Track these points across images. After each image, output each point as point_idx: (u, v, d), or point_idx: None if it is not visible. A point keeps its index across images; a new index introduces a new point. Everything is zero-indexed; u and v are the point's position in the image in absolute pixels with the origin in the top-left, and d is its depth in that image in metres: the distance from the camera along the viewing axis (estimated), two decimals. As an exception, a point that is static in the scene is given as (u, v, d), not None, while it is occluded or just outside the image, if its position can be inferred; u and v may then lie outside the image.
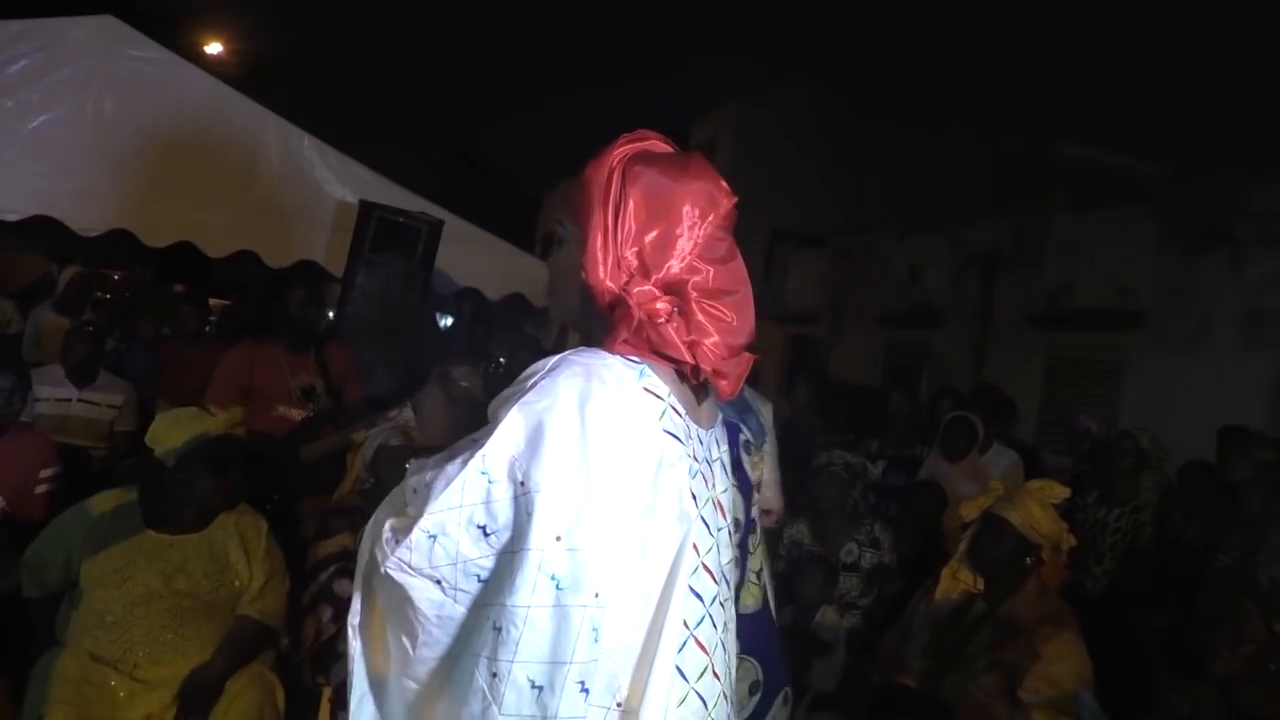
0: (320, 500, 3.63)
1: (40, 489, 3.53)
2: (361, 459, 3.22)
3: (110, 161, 5.08)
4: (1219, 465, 4.57)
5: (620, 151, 1.30)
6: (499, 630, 1.17)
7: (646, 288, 1.26)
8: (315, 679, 2.94)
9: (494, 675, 1.16)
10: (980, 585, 2.84)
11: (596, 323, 1.31)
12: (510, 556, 1.18)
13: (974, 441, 4.75)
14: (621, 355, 1.25)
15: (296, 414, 3.95)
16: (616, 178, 1.28)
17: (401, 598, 1.26)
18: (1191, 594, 3.35)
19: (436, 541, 1.21)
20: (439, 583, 1.23)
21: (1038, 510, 2.74)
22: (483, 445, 1.21)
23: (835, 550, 3.85)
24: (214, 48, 17.59)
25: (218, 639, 2.82)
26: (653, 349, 1.26)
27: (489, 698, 1.16)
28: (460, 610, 1.23)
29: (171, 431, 2.87)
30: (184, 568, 2.82)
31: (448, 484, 1.21)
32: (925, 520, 4.23)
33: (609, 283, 1.27)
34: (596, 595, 1.17)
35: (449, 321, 8.59)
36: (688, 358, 1.27)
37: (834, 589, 3.72)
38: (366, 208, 5.17)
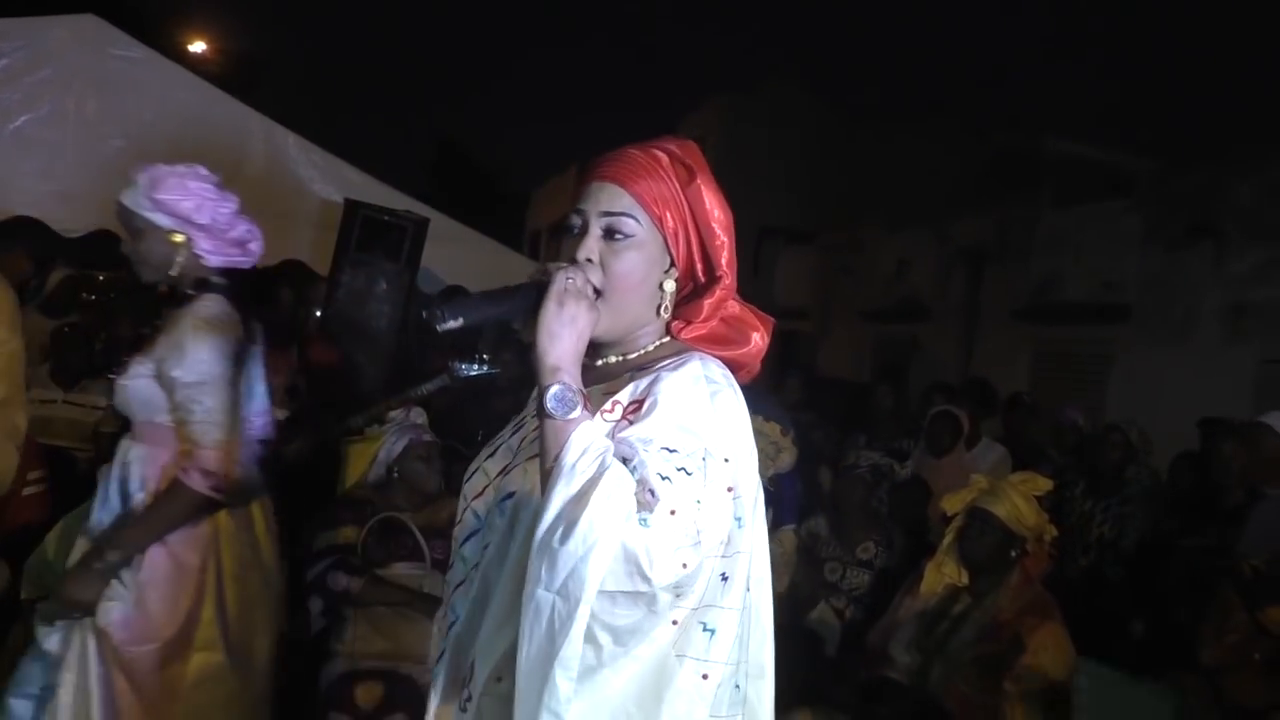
0: (303, 498, 3.62)
1: (27, 491, 3.52)
2: (383, 454, 3.22)
3: (93, 161, 5.04)
4: (1200, 457, 4.59)
5: (692, 147, 1.33)
6: (711, 632, 1.17)
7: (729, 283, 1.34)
8: (306, 678, 2.94)
9: (705, 677, 1.17)
10: (965, 579, 2.86)
11: (637, 326, 1.33)
12: (723, 560, 1.20)
13: (958, 436, 4.76)
14: (711, 357, 1.31)
15: (279, 412, 3.93)
16: (708, 176, 1.32)
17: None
18: (1175, 585, 3.37)
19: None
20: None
21: (1021, 503, 2.77)
22: (718, 457, 1.20)
23: (852, 547, 3.87)
24: (198, 46, 17.50)
25: None
26: (723, 346, 1.33)
27: (696, 699, 1.17)
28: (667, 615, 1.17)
29: None
30: None
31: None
32: (911, 514, 4.25)
33: (730, 278, 1.33)
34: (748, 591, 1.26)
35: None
36: (753, 359, 1.36)
37: (819, 582, 3.73)
38: (352, 206, 5.16)
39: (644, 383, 1.25)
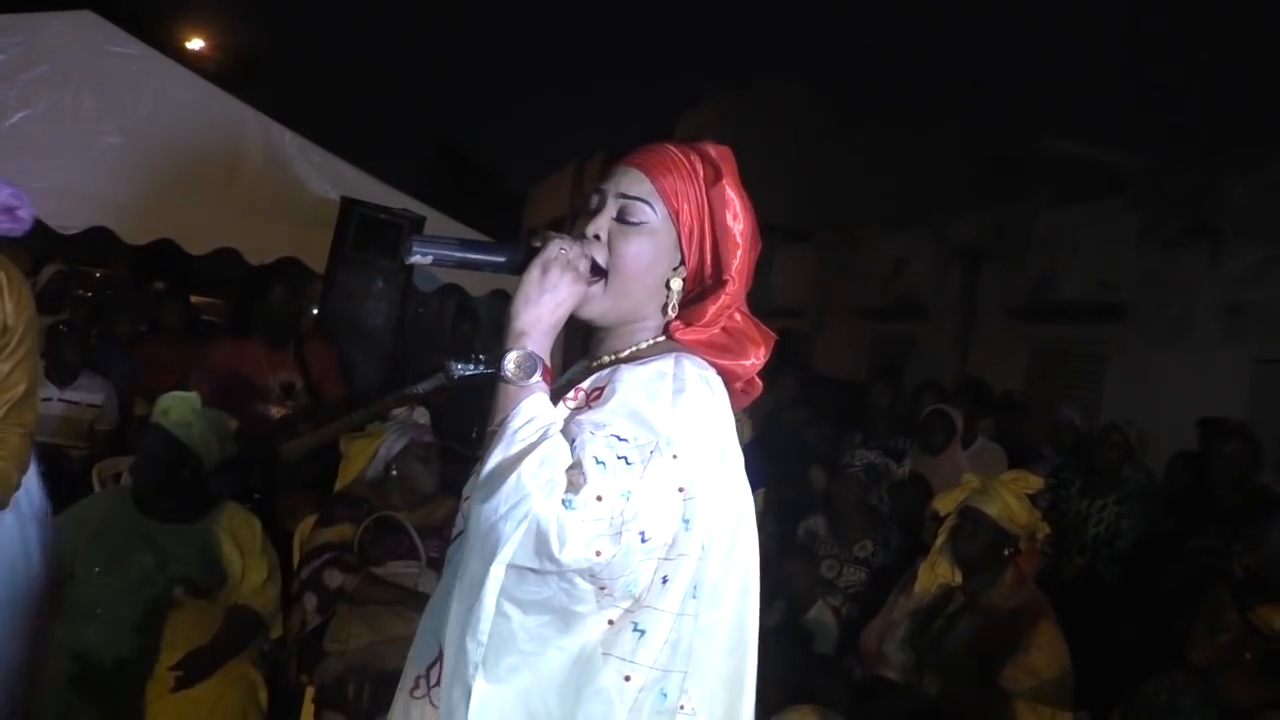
0: (299, 496, 3.63)
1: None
2: (383, 451, 3.22)
3: (89, 158, 5.05)
4: (1198, 457, 4.60)
5: (727, 152, 1.32)
6: (641, 633, 1.14)
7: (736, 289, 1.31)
8: (299, 677, 2.94)
9: (626, 678, 1.14)
10: (958, 578, 2.86)
11: (636, 318, 1.31)
12: (665, 562, 1.16)
13: (951, 435, 4.76)
14: (707, 362, 1.28)
15: (276, 411, 3.94)
16: (736, 181, 1.30)
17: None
18: (1168, 584, 3.38)
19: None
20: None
21: (1014, 501, 2.78)
22: (666, 454, 1.16)
23: (850, 545, 3.87)
24: (195, 43, 17.47)
25: (207, 630, 2.84)
26: (720, 353, 1.30)
27: (614, 700, 1.13)
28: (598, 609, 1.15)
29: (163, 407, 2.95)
30: (176, 555, 2.84)
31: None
32: (910, 511, 4.25)
33: (737, 285, 1.31)
34: (712, 607, 1.24)
35: (433, 318, 8.55)
36: (748, 373, 1.33)
37: (817, 578, 3.73)
38: (348, 204, 5.15)
39: (608, 373, 1.24)
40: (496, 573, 1.08)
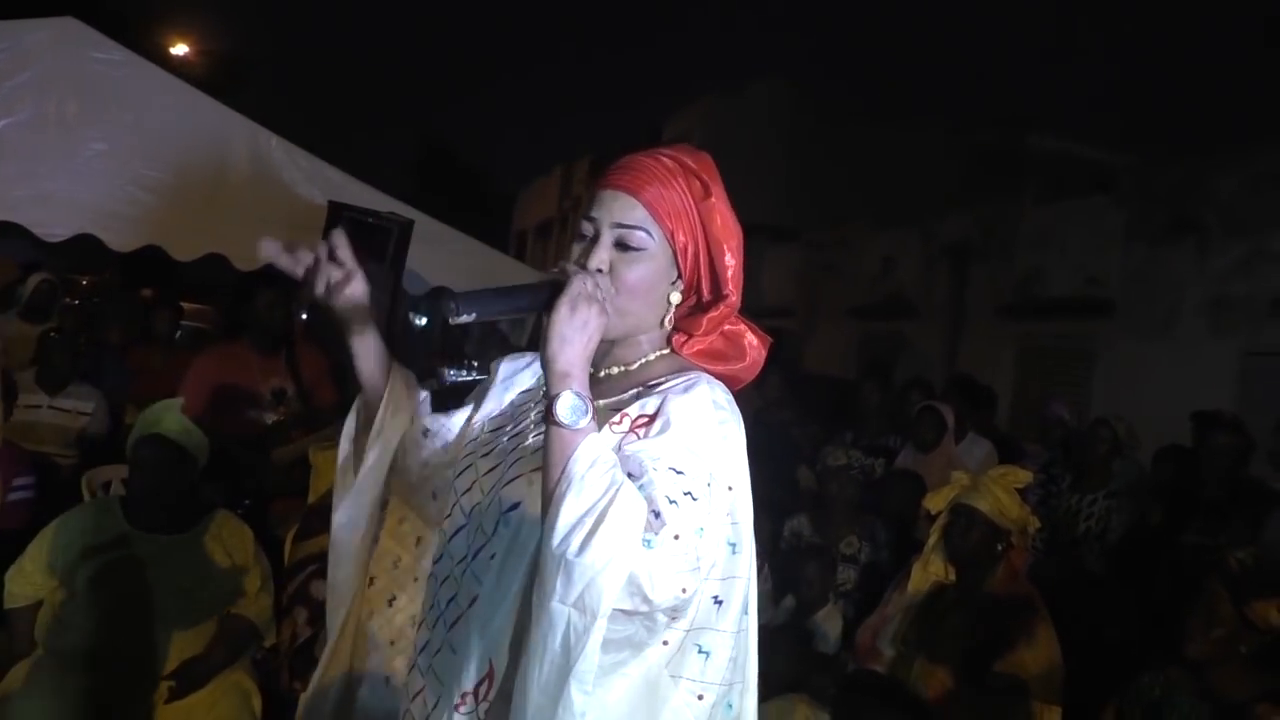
0: (290, 503, 3.61)
1: (12, 497, 3.53)
2: None
3: (74, 166, 5.01)
4: (1191, 450, 4.62)
5: (706, 160, 1.33)
6: (707, 654, 1.20)
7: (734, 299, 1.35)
8: (292, 684, 2.93)
9: (700, 697, 1.21)
10: (951, 575, 2.87)
11: (638, 331, 1.34)
12: (718, 583, 1.22)
13: (942, 432, 4.77)
14: (717, 381, 1.32)
15: (268, 417, 3.93)
16: (722, 192, 1.32)
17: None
18: (1162, 579, 3.39)
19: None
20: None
21: (1004, 496, 2.79)
22: (721, 484, 1.21)
23: (836, 543, 3.90)
24: (179, 49, 17.41)
25: (200, 640, 2.83)
26: (721, 361, 1.35)
27: (691, 718, 1.20)
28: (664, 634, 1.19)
29: (145, 425, 2.96)
30: (167, 566, 2.83)
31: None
32: (902, 509, 4.26)
33: (735, 296, 1.34)
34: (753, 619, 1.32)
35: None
36: (749, 375, 1.38)
37: (834, 581, 3.74)
38: (335, 209, 5.13)
39: (652, 400, 1.26)
40: (602, 625, 1.09)
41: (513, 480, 1.28)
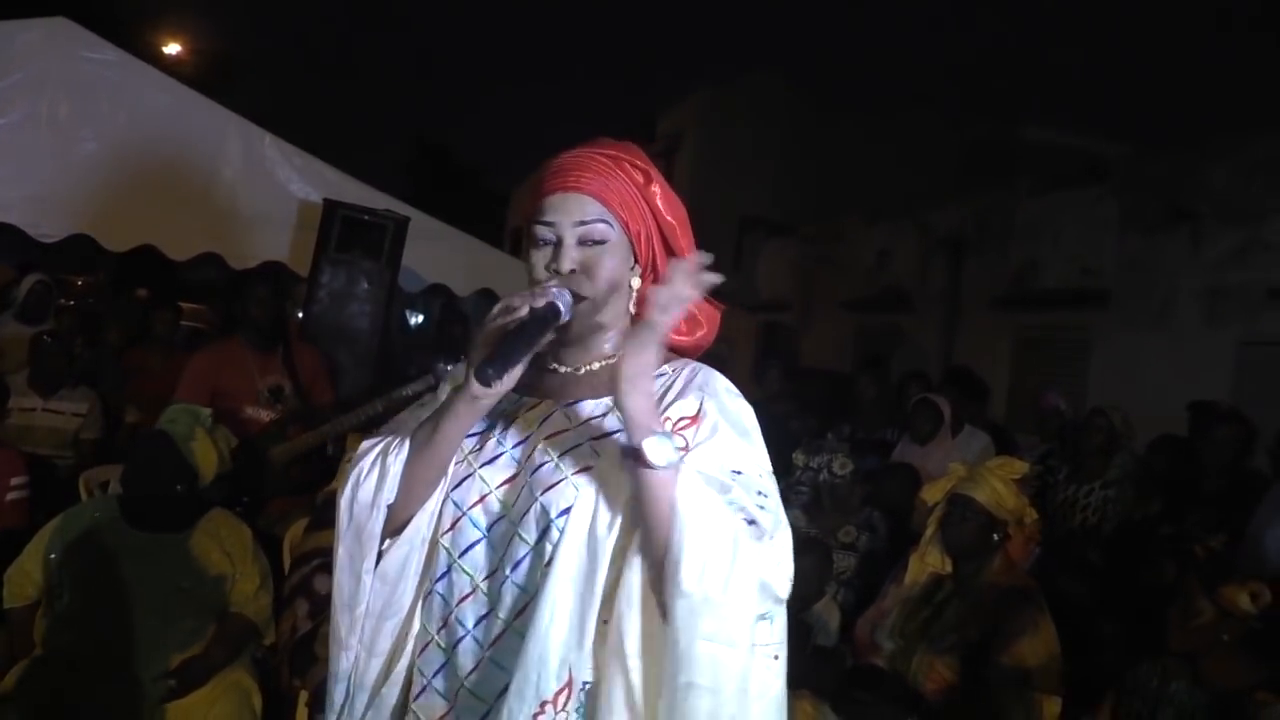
0: (289, 501, 3.61)
1: (9, 497, 3.53)
2: None
3: (67, 166, 5.00)
4: (1186, 440, 4.62)
5: (634, 149, 1.37)
6: (770, 620, 1.23)
7: None
8: (292, 681, 2.93)
9: (776, 657, 1.25)
10: (948, 566, 2.88)
11: (607, 319, 1.36)
12: None
13: (939, 424, 4.78)
14: (685, 348, 1.42)
15: (265, 415, 3.92)
16: (659, 176, 1.36)
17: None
18: (1143, 572, 3.40)
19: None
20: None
21: (1001, 487, 2.80)
22: (769, 470, 1.28)
23: (833, 532, 3.91)
24: (172, 48, 17.36)
25: (198, 638, 2.84)
26: (687, 334, 1.43)
27: (773, 676, 1.24)
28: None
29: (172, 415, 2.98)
30: (165, 565, 2.83)
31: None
32: (899, 501, 4.27)
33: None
34: None
35: (420, 319, 8.55)
36: (707, 344, 1.46)
37: (830, 573, 3.74)
38: (331, 206, 5.13)
39: (682, 399, 1.30)
40: (756, 651, 1.19)
41: (554, 485, 1.26)
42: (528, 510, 1.27)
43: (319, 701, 2.83)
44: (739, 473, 1.22)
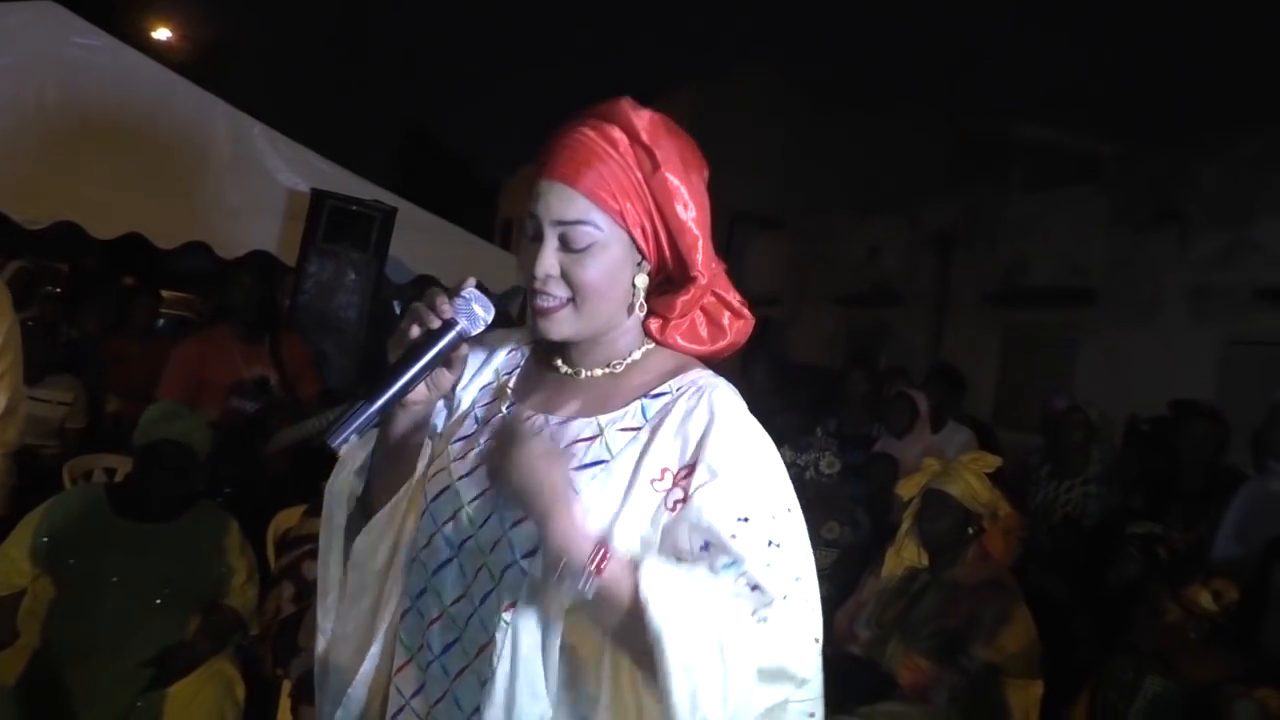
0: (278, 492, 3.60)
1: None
2: None
3: (54, 152, 4.97)
4: (1161, 436, 4.65)
5: (657, 122, 1.15)
6: (813, 716, 1.17)
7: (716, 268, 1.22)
8: (275, 671, 2.93)
9: (811, 715, 1.16)
10: (924, 561, 2.91)
11: (610, 326, 1.21)
12: None
13: (914, 418, 4.81)
14: (720, 379, 1.23)
15: (250, 406, 3.92)
16: (675, 162, 1.16)
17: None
18: (1112, 573, 3.43)
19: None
20: None
21: (974, 481, 2.83)
22: (789, 510, 1.15)
23: (817, 528, 3.93)
24: (161, 33, 17.26)
25: (184, 629, 2.84)
26: (703, 341, 1.26)
27: None
28: None
29: (156, 427, 2.92)
30: (154, 555, 2.83)
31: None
32: (879, 492, 4.30)
33: (705, 275, 1.20)
34: None
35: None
36: (733, 350, 1.28)
37: None
38: (318, 196, 5.13)
39: (678, 440, 1.14)
40: None
41: (522, 521, 1.12)
42: (497, 541, 1.15)
43: (302, 691, 2.84)
44: (745, 519, 1.07)
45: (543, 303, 1.16)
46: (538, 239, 1.15)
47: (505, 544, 1.14)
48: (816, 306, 13.95)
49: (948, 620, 2.73)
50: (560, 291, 1.15)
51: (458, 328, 1.13)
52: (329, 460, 1.31)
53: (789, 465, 4.03)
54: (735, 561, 1.05)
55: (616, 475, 1.14)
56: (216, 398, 3.82)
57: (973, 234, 11.51)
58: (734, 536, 1.06)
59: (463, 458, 1.23)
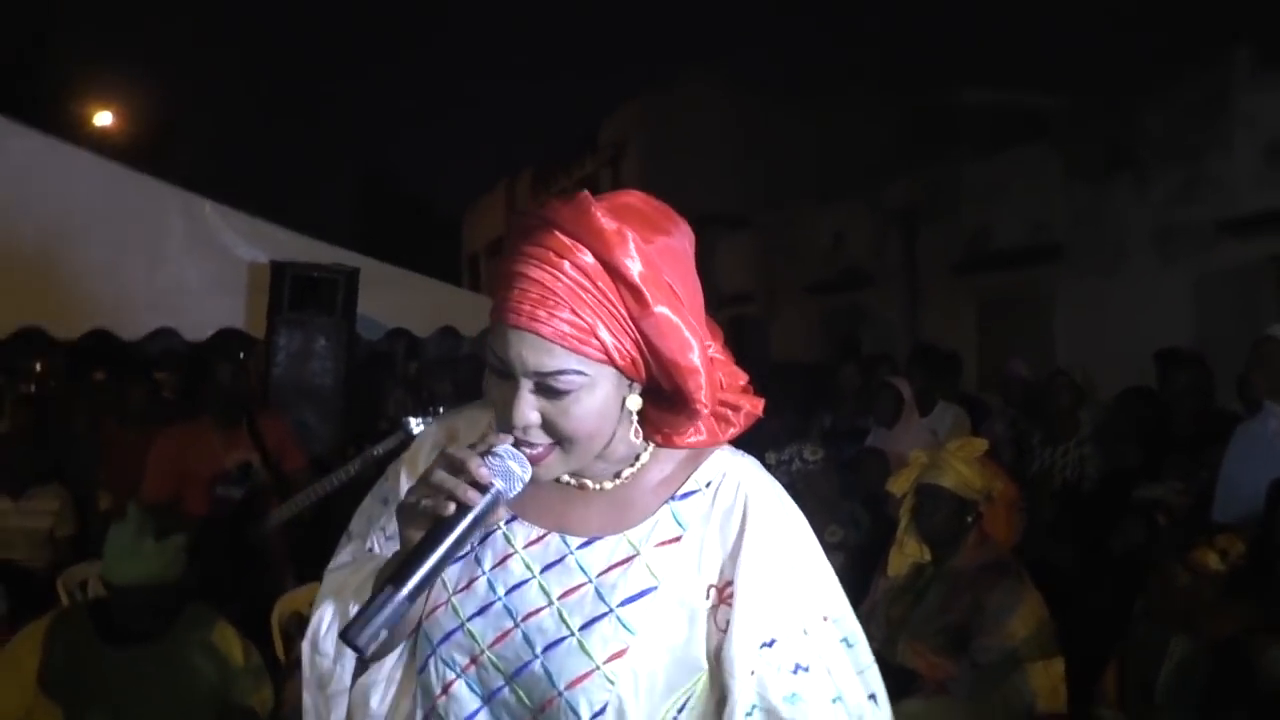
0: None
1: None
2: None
3: (7, 260, 4.92)
4: (1153, 389, 4.66)
5: (618, 229, 0.99)
6: (874, 697, 1.15)
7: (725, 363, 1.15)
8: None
9: None
10: (928, 555, 2.89)
11: (608, 448, 1.10)
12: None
13: (900, 406, 4.81)
14: (740, 452, 1.18)
15: (236, 493, 3.86)
16: (658, 274, 1.02)
17: None
18: (1117, 541, 3.42)
19: None
20: None
21: (965, 468, 2.81)
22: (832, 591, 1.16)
23: (820, 533, 3.89)
24: (103, 118, 17.16)
25: None
26: (727, 426, 1.14)
27: None
28: None
29: (122, 567, 2.72)
30: (148, 679, 2.73)
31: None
32: (871, 487, 4.28)
33: (711, 402, 1.08)
34: None
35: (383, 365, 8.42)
36: (750, 421, 1.18)
37: None
38: (279, 268, 5.10)
39: (720, 548, 1.09)
40: None
41: (583, 679, 1.03)
42: (549, 703, 1.04)
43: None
44: (812, 633, 1.09)
45: (526, 450, 1.02)
46: (509, 379, 1.01)
47: (563, 707, 1.04)
48: (790, 299, 13.99)
49: (952, 613, 2.71)
50: (543, 439, 1.02)
51: (494, 490, 0.99)
52: (330, 538, 1.23)
53: (774, 465, 4.02)
54: (798, 693, 1.05)
55: (669, 601, 1.07)
56: (201, 490, 3.77)
57: (934, 207, 11.57)
58: (799, 650, 1.07)
59: (467, 588, 1.11)
